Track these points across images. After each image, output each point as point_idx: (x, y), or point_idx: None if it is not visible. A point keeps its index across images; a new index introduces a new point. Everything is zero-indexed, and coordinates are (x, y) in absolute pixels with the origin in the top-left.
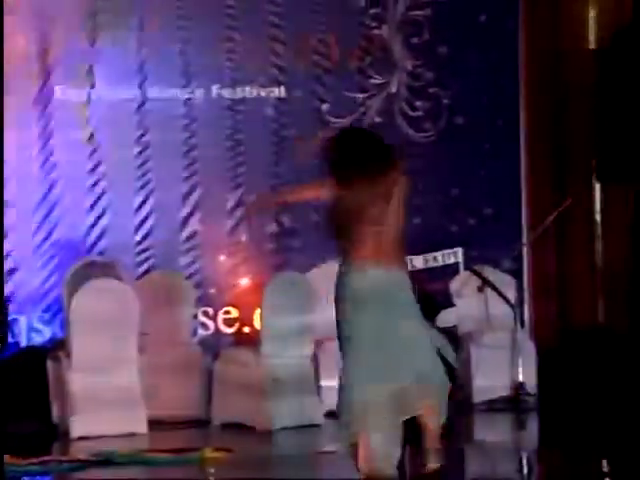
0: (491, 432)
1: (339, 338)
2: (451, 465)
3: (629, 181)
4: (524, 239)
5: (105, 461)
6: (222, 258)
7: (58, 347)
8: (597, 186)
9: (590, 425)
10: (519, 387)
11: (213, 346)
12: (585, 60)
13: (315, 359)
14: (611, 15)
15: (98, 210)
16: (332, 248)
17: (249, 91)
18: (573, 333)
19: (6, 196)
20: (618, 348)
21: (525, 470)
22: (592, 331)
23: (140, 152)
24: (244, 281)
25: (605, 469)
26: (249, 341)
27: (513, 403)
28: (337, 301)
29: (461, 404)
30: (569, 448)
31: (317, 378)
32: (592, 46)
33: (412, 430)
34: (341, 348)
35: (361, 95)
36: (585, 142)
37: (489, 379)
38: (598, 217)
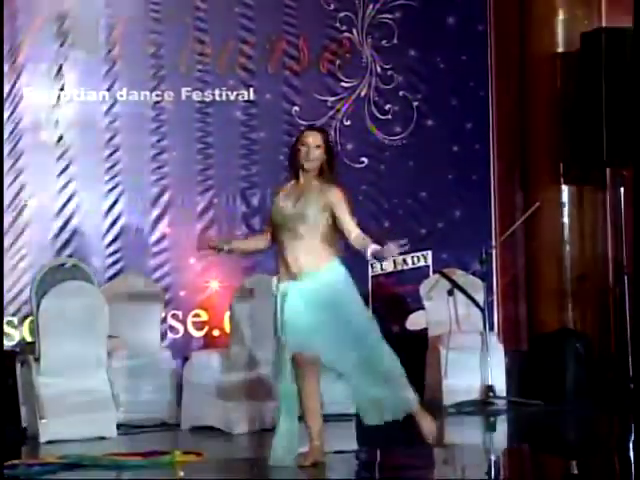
0: (461, 435)
1: None
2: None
3: (596, 184)
4: (493, 242)
5: (74, 464)
6: (191, 261)
7: (27, 351)
8: (565, 189)
9: (559, 428)
10: (489, 390)
11: (182, 349)
12: (553, 63)
13: None
14: (579, 18)
15: (67, 212)
16: None
17: (218, 94)
18: (542, 336)
19: None
20: (587, 351)
21: (495, 473)
22: (561, 334)
23: (109, 155)
24: (214, 284)
25: (575, 471)
26: (219, 344)
27: (483, 406)
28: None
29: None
30: (538, 451)
31: None
32: (560, 49)
33: None
34: None
35: (331, 98)
36: (554, 145)
37: (458, 382)
38: (566, 220)
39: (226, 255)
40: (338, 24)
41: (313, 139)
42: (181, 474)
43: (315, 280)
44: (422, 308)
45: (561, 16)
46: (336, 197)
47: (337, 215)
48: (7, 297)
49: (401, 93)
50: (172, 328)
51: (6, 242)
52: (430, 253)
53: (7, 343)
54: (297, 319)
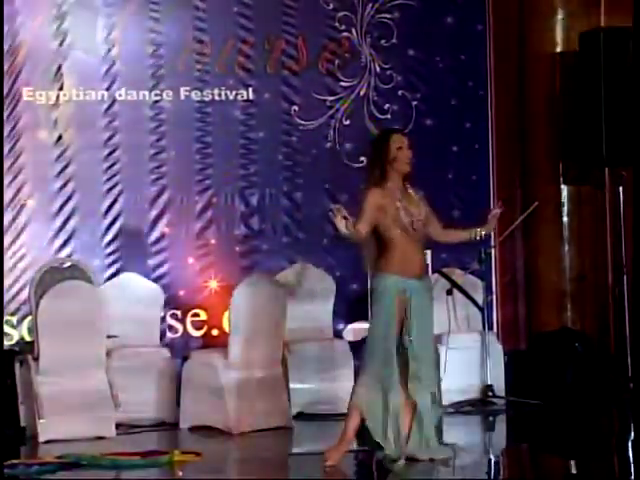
0: (460, 434)
1: None
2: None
3: (595, 183)
4: (493, 242)
5: (73, 464)
6: (190, 260)
7: (26, 350)
8: (564, 188)
9: (558, 427)
10: (488, 389)
11: (181, 349)
12: (552, 63)
13: (284, 361)
14: (578, 18)
15: (66, 212)
16: (300, 250)
17: (217, 93)
18: (541, 335)
19: None
20: (586, 350)
21: (494, 473)
22: (560, 333)
23: (108, 154)
24: (212, 283)
25: (574, 471)
26: (218, 344)
27: (482, 405)
28: None
29: None
30: (537, 450)
31: (286, 380)
32: (559, 49)
33: None
34: None
35: (330, 97)
36: (553, 144)
37: (458, 381)
38: (565, 219)
39: None
40: (337, 24)
41: (407, 143)
42: (180, 474)
43: (429, 282)
44: None
45: (560, 16)
46: (427, 206)
47: (432, 219)
48: (6, 296)
49: (400, 93)
50: (171, 327)
51: (5, 241)
52: (429, 253)
53: (6, 342)
54: (428, 320)
